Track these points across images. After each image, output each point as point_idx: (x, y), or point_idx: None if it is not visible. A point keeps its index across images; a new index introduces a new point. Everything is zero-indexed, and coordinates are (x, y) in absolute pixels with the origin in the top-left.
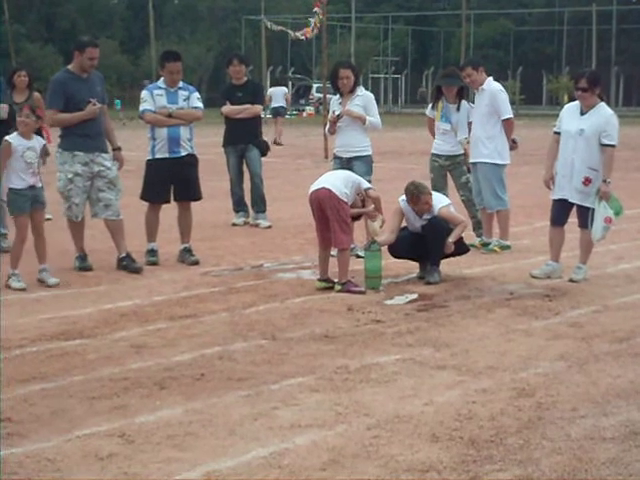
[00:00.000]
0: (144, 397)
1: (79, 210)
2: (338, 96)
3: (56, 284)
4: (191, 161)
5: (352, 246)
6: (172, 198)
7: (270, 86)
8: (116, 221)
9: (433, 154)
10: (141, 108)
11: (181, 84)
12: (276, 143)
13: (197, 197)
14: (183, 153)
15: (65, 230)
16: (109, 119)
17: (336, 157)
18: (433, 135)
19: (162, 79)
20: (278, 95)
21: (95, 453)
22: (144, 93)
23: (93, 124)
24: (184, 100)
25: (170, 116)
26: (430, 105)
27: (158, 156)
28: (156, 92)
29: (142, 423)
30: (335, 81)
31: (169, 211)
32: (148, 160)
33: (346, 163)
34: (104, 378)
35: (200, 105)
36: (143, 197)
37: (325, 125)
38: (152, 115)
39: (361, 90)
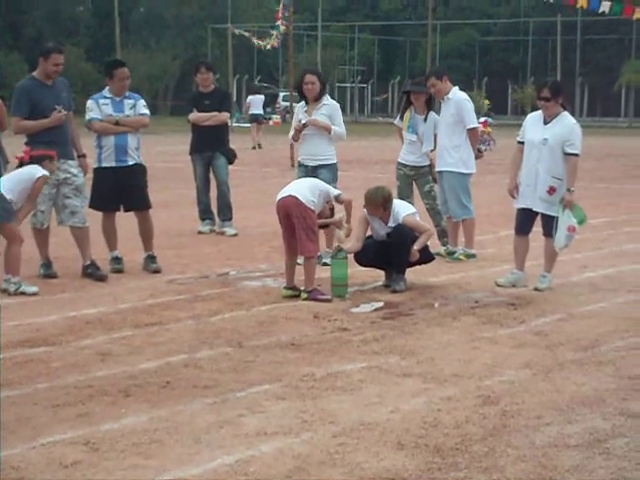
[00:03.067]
0: (109, 405)
1: (44, 217)
2: (303, 103)
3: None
4: (139, 170)
5: (318, 254)
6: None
7: (248, 94)
8: (82, 228)
9: (399, 163)
10: (87, 117)
11: (126, 92)
12: (259, 147)
13: (145, 206)
14: (130, 162)
15: (30, 237)
16: (75, 126)
17: (301, 165)
18: None
19: (107, 89)
20: (257, 103)
21: (60, 461)
22: (90, 102)
23: (59, 131)
24: (130, 108)
25: (117, 124)
26: (398, 115)
27: (105, 164)
28: (102, 101)
29: (107, 431)
30: (301, 87)
31: (134, 219)
32: (95, 168)
33: (311, 171)
34: (69, 386)
35: (147, 112)
36: (92, 205)
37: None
38: (100, 123)
39: (327, 99)
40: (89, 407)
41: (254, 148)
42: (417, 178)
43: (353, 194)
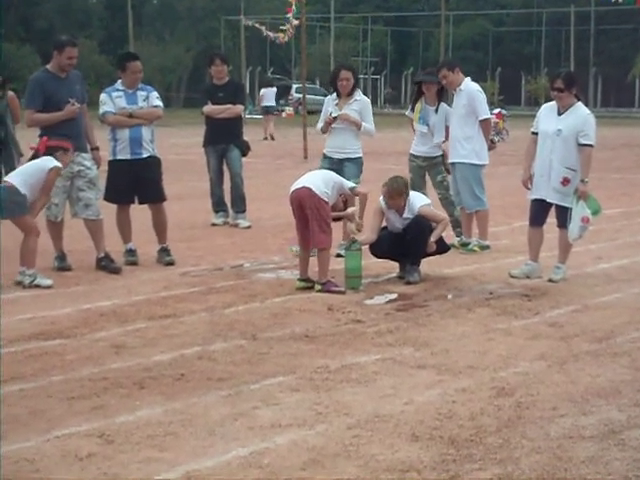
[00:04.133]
0: (124, 397)
1: (59, 210)
2: (335, 96)
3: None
4: (153, 162)
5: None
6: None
7: (260, 87)
8: (96, 221)
9: (411, 154)
10: (101, 110)
11: (139, 85)
12: (272, 138)
13: (160, 199)
14: (145, 155)
15: (44, 230)
16: (89, 119)
17: (326, 157)
18: None
19: (119, 82)
20: (269, 95)
21: (74, 453)
22: (103, 96)
23: (73, 124)
24: (143, 100)
25: (131, 116)
26: (410, 106)
27: (120, 157)
28: (115, 94)
29: (122, 423)
30: (335, 82)
31: (148, 211)
32: (109, 161)
33: (337, 164)
34: (83, 378)
35: (160, 104)
36: (106, 198)
37: (305, 125)
38: (114, 116)
39: (359, 94)
40: (104, 399)
41: (265, 139)
42: (430, 169)
43: (368, 186)
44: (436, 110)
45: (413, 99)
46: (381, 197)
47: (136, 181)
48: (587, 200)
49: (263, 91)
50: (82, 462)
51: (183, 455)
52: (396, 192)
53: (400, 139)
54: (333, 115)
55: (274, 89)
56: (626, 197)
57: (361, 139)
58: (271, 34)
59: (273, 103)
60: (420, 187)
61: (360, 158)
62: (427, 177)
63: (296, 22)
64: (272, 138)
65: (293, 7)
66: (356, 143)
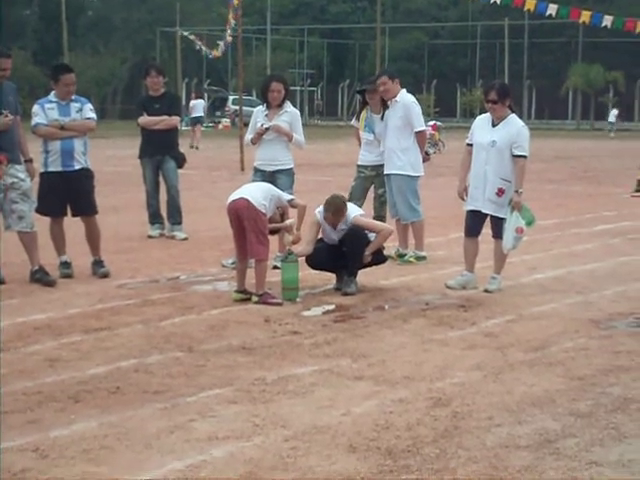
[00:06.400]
0: (58, 411)
1: None
2: (264, 107)
3: None
4: (85, 174)
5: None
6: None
7: (192, 99)
8: (30, 233)
9: (359, 166)
10: (33, 122)
11: (73, 96)
12: (196, 147)
13: (91, 212)
14: (77, 167)
15: None
16: (22, 130)
17: (258, 170)
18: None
19: (53, 93)
20: (199, 107)
21: (8, 468)
22: (35, 107)
23: (6, 136)
24: (77, 112)
25: (62, 128)
26: (355, 116)
27: (51, 169)
28: (47, 106)
29: (56, 437)
30: (265, 93)
31: (82, 223)
32: (41, 173)
33: (269, 176)
34: (17, 392)
35: (93, 116)
36: (38, 210)
37: (242, 137)
38: (45, 128)
39: (289, 106)
40: (38, 413)
41: (192, 147)
42: (376, 178)
43: (304, 198)
44: (382, 118)
45: (359, 108)
46: (317, 209)
47: (68, 193)
48: (521, 211)
49: (193, 103)
50: (16, 477)
51: (119, 469)
52: (339, 211)
53: (336, 150)
54: (265, 126)
55: (202, 101)
56: (560, 208)
57: (292, 150)
58: (205, 48)
59: (201, 114)
60: (358, 198)
61: (292, 169)
62: (369, 191)
63: (229, 39)
64: (197, 148)
65: (231, 22)
66: (287, 154)
